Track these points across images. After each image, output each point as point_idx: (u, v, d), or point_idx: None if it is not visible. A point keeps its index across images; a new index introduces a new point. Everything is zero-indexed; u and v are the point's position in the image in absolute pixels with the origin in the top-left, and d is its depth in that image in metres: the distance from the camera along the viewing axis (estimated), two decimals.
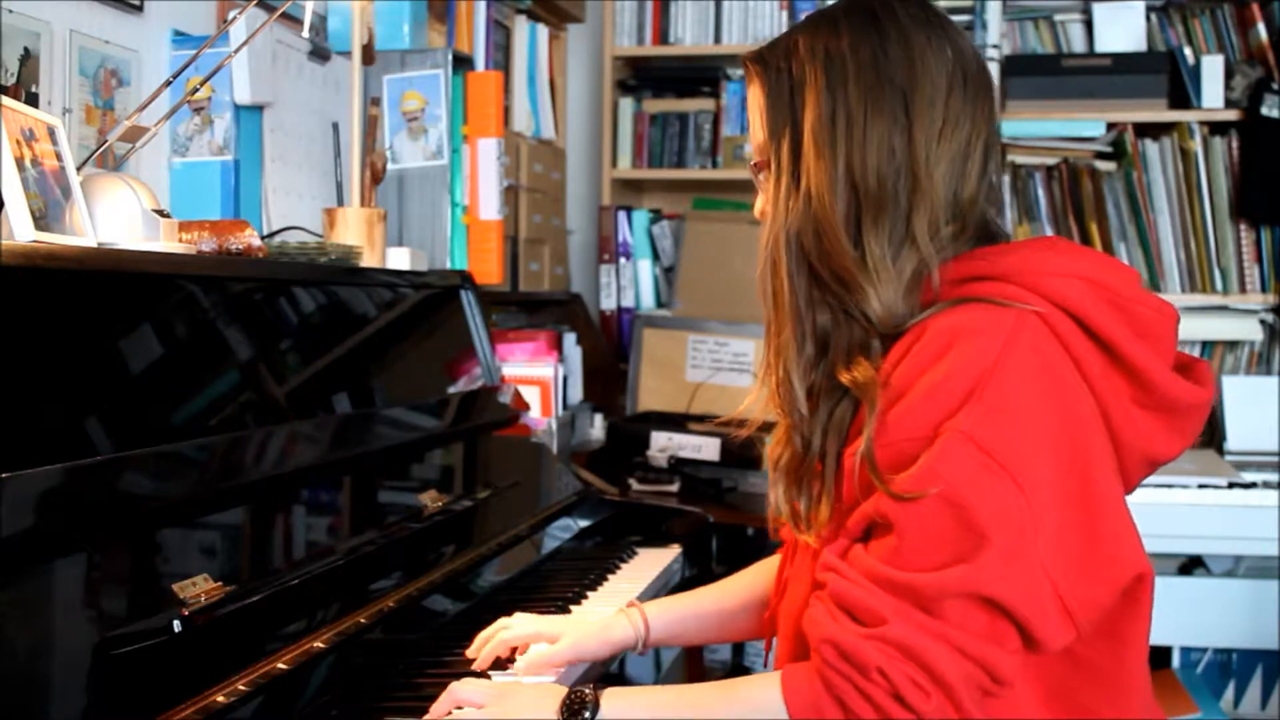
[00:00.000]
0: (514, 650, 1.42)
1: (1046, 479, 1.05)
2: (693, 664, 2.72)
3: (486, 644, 1.40)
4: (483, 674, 1.37)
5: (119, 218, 1.45)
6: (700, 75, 3.51)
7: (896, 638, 1.03)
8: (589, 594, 1.74)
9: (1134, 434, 1.14)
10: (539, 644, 1.40)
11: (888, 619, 1.04)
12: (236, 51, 1.77)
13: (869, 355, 1.16)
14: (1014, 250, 1.17)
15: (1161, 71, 3.20)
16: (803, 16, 1.57)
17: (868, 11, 1.20)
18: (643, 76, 3.57)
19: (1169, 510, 2.72)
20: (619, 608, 1.46)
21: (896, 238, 1.16)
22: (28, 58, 1.60)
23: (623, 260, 3.42)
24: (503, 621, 1.42)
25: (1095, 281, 1.13)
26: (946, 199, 1.16)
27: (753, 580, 1.47)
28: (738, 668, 2.92)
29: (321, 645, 1.26)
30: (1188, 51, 3.21)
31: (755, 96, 1.24)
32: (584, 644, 1.39)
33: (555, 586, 1.77)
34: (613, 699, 1.15)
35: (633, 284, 3.42)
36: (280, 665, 1.19)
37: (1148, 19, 3.25)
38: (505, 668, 1.39)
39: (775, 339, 1.20)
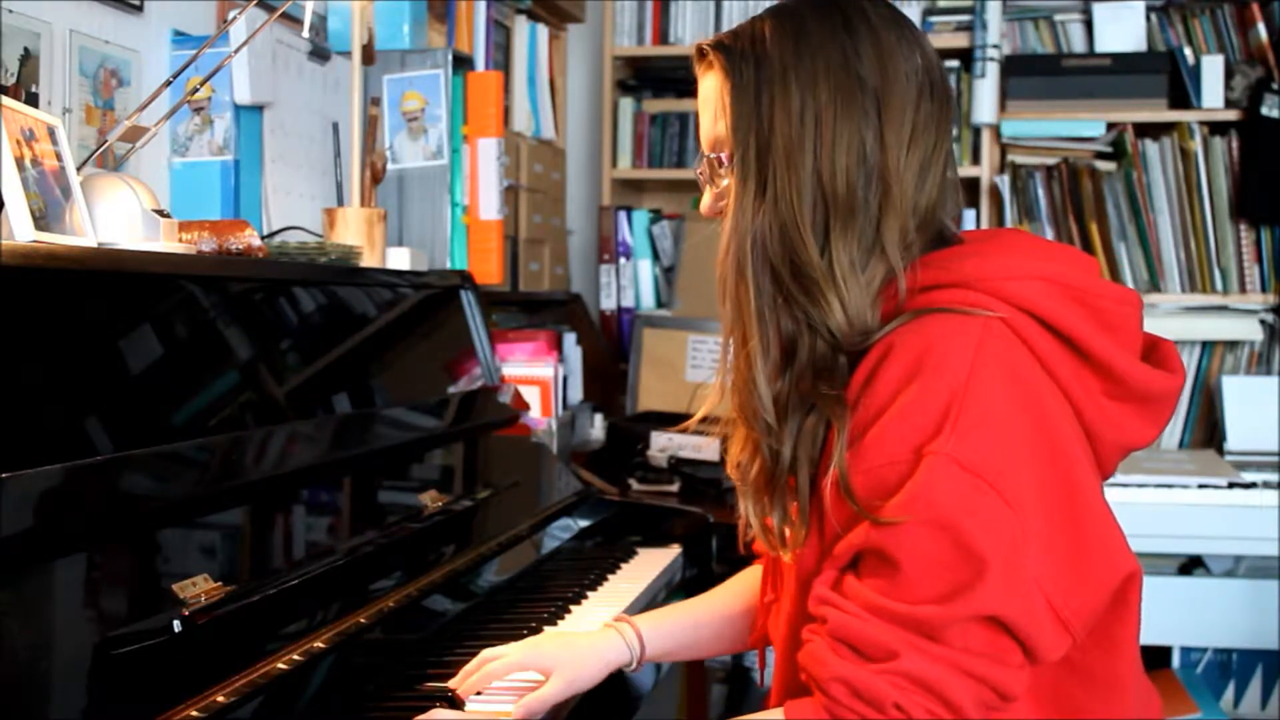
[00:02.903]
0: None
1: (1031, 491, 1.04)
2: (693, 667, 2.72)
3: (471, 676, 1.31)
4: (458, 702, 1.29)
5: (119, 218, 1.45)
6: None
7: (910, 670, 1.01)
8: (589, 594, 1.73)
9: (1107, 426, 1.13)
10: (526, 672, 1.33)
11: (899, 652, 1.02)
12: (236, 51, 1.77)
13: (834, 372, 1.12)
14: (970, 253, 1.14)
15: (1161, 71, 3.20)
16: None
17: (836, 8, 1.16)
18: (643, 76, 3.58)
19: (1169, 510, 2.71)
20: (606, 621, 1.40)
21: (865, 246, 1.12)
22: (28, 58, 1.60)
23: (623, 260, 3.42)
24: (487, 653, 1.33)
25: (1055, 280, 1.11)
26: (914, 207, 1.14)
27: (740, 589, 1.44)
28: (737, 668, 2.92)
29: (321, 645, 1.26)
30: (1188, 51, 3.21)
31: (714, 86, 1.18)
32: (578, 677, 1.32)
33: (555, 586, 1.76)
34: None
35: (633, 284, 3.42)
36: (280, 665, 1.19)
37: (1148, 19, 3.25)
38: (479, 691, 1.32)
39: (742, 346, 1.15)
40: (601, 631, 1.39)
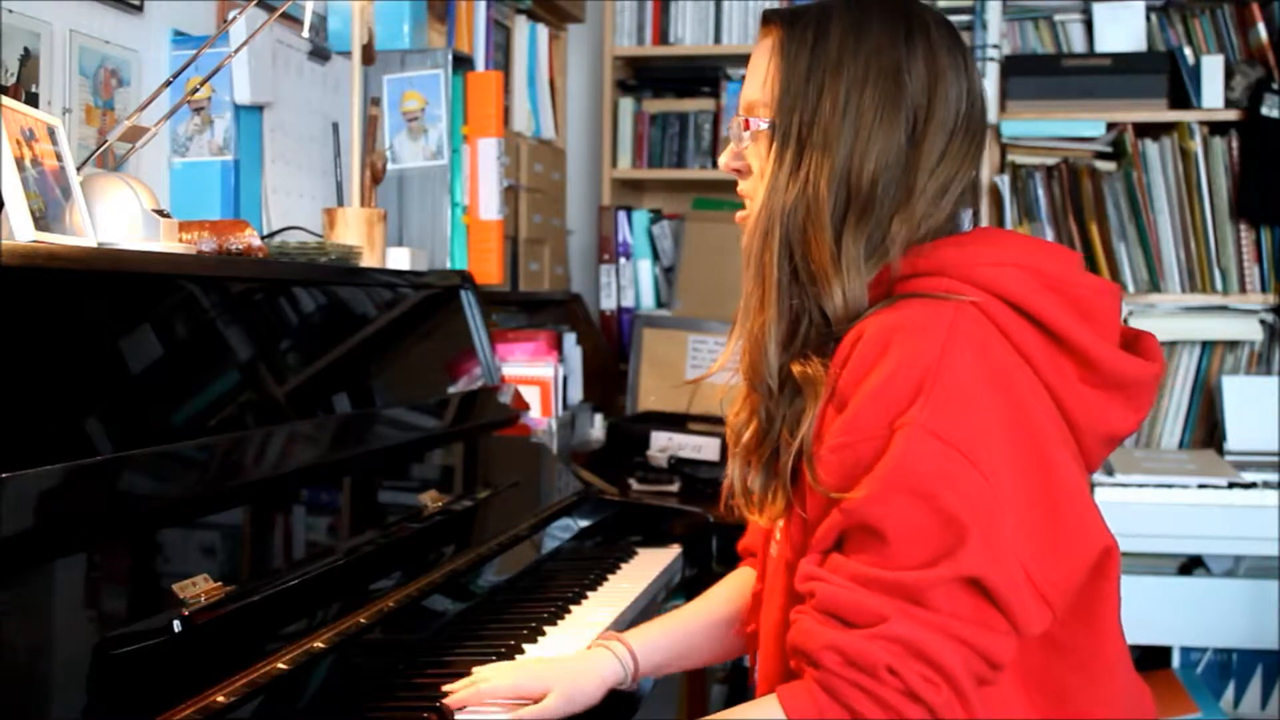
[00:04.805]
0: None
1: (1005, 464, 1.06)
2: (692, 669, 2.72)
3: (463, 691, 1.28)
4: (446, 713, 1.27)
5: (119, 218, 1.45)
6: (700, 75, 3.51)
7: (901, 634, 1.03)
8: (589, 594, 1.73)
9: (1086, 413, 1.15)
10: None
11: (887, 616, 1.04)
12: (236, 51, 1.77)
13: (825, 354, 1.16)
14: (948, 244, 1.18)
15: (1161, 71, 3.20)
16: None
17: (902, 15, 1.19)
18: (643, 76, 3.57)
19: (1169, 510, 2.71)
20: (595, 641, 1.39)
21: (873, 243, 1.17)
22: (28, 58, 1.60)
23: (623, 260, 3.42)
24: (480, 673, 1.31)
25: (1030, 267, 1.14)
26: (922, 223, 1.17)
27: (727, 594, 1.45)
28: (738, 668, 2.92)
29: (321, 645, 1.26)
30: (1188, 51, 3.21)
31: (769, 53, 1.21)
32: (576, 693, 1.30)
33: (555, 586, 1.76)
34: None
35: (633, 284, 3.42)
36: (280, 665, 1.19)
37: (1148, 19, 3.25)
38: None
39: (760, 311, 1.20)
40: (593, 650, 1.38)
